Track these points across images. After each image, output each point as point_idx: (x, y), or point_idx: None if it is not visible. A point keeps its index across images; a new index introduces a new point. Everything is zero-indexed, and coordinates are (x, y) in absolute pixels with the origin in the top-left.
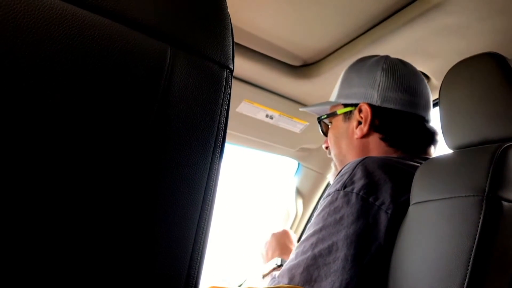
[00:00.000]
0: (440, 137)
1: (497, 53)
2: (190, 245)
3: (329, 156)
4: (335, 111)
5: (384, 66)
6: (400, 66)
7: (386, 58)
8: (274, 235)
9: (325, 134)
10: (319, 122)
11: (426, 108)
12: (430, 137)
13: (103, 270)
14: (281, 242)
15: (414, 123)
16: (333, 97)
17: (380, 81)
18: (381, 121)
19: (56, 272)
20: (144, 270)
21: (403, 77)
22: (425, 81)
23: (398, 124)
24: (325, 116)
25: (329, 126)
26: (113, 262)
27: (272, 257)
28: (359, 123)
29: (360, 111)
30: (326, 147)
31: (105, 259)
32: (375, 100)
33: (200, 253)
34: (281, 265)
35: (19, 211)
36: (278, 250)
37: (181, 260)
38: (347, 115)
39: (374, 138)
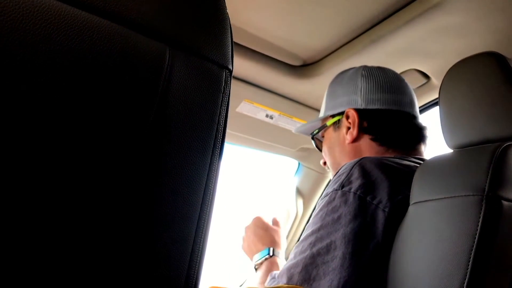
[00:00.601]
0: (429, 133)
1: (497, 53)
2: (190, 245)
3: (328, 170)
4: (325, 124)
5: (363, 73)
6: (378, 71)
7: (365, 66)
8: (247, 228)
9: (320, 149)
10: (313, 139)
11: (411, 105)
12: (418, 133)
13: (102, 271)
14: (257, 232)
15: (401, 120)
16: (321, 113)
17: (361, 86)
18: (369, 122)
19: (55, 272)
20: (143, 271)
21: (383, 79)
22: (406, 82)
23: (385, 122)
24: (317, 130)
25: (322, 141)
26: (112, 262)
27: (257, 250)
28: (348, 128)
29: (347, 117)
30: (324, 163)
31: (104, 259)
32: (360, 104)
33: (199, 254)
34: (273, 255)
35: (19, 213)
36: (260, 242)
37: (181, 261)
38: (336, 125)
39: (365, 140)
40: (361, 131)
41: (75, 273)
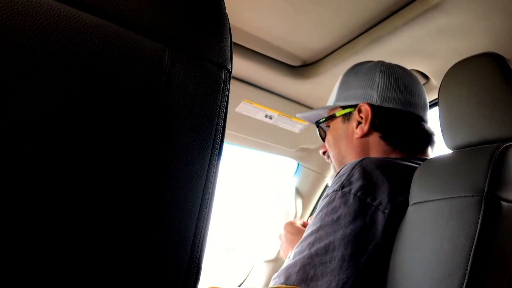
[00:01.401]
0: (437, 138)
1: (496, 53)
2: (189, 245)
3: (327, 160)
4: (334, 114)
5: (382, 68)
6: (397, 68)
7: (383, 62)
8: (280, 235)
9: (323, 138)
10: (317, 126)
11: (424, 109)
12: (427, 137)
13: (102, 268)
14: (287, 238)
15: (413, 122)
16: (330, 101)
17: (379, 82)
18: (381, 120)
19: (55, 269)
20: (142, 271)
21: (401, 78)
22: (421, 84)
23: (397, 123)
24: (324, 119)
25: (327, 130)
26: (112, 261)
27: (288, 252)
28: (359, 123)
29: (359, 111)
30: (324, 152)
31: (104, 257)
32: (375, 100)
33: (198, 253)
34: None
35: (23, 212)
36: (290, 245)
37: (180, 260)
38: (346, 116)
39: (374, 137)
40: (372, 127)
41: (76, 267)
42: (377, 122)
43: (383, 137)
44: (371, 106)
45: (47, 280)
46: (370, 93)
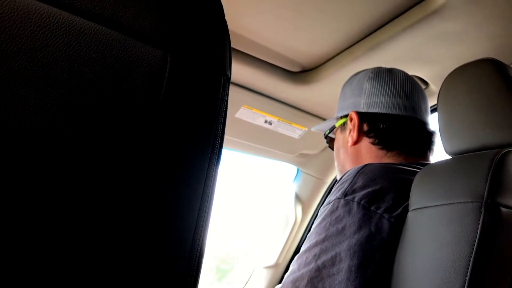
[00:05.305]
0: (435, 138)
1: (495, 59)
2: (187, 251)
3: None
4: (334, 125)
5: (371, 75)
6: (386, 73)
7: (375, 68)
8: None
9: (333, 149)
10: (326, 138)
11: (415, 110)
12: (421, 138)
13: (101, 271)
14: None
15: (403, 124)
16: (336, 114)
17: (366, 89)
18: (369, 125)
19: (58, 267)
20: (141, 274)
21: (388, 82)
22: (418, 85)
23: (386, 126)
24: (328, 131)
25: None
26: (111, 263)
27: None
28: (351, 131)
29: (351, 120)
30: None
31: (103, 260)
32: (362, 106)
33: (197, 261)
34: None
35: (26, 209)
36: None
37: (178, 267)
38: (343, 126)
39: (365, 143)
40: (362, 134)
41: (77, 269)
42: (366, 128)
43: (373, 143)
44: (358, 113)
45: (50, 271)
46: (358, 101)
